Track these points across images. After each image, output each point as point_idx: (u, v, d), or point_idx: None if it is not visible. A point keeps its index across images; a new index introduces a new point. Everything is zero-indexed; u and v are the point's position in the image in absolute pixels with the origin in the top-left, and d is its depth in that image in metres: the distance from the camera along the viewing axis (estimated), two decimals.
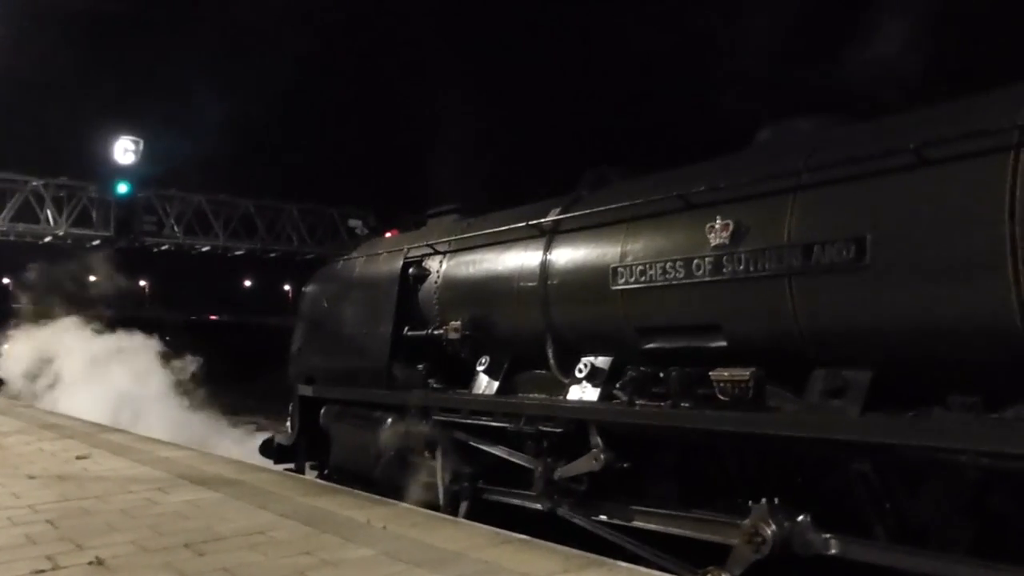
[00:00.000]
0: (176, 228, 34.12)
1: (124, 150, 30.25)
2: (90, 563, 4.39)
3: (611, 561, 4.34)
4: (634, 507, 4.99)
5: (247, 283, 55.93)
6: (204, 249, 35.82)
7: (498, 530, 5.04)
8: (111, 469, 7.76)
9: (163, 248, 35.45)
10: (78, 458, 8.43)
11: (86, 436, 10.69)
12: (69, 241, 32.59)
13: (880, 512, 3.84)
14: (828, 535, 3.90)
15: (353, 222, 35.58)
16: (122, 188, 30.39)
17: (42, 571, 4.28)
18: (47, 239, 31.94)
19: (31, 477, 7.22)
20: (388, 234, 9.60)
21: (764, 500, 4.07)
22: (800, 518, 4.00)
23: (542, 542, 4.72)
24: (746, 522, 4.10)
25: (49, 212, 31.00)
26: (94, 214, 32.06)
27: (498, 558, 4.39)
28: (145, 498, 6.23)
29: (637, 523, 4.92)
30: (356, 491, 6.49)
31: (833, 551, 3.86)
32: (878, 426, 3.74)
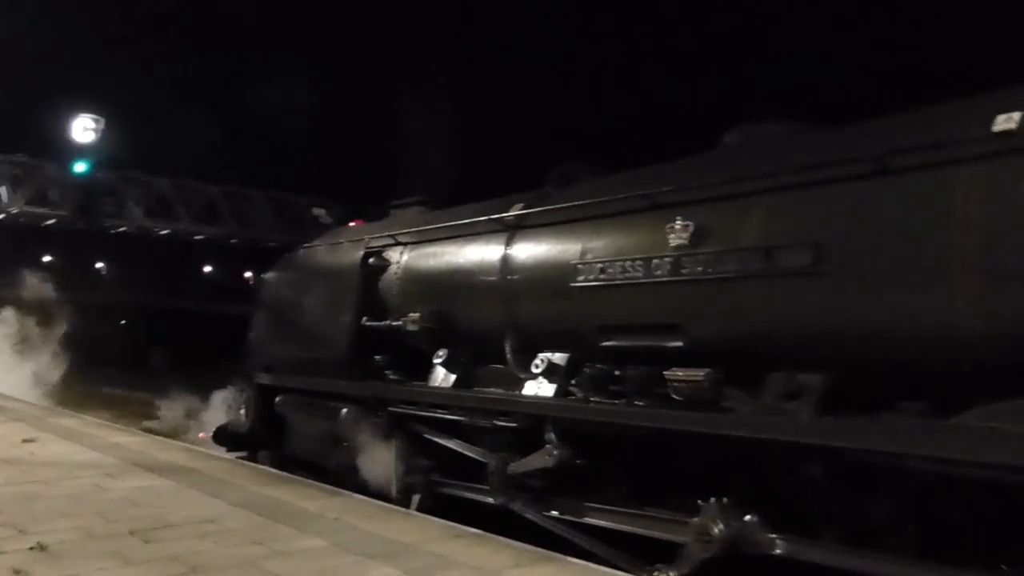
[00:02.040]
0: (137, 211, 33.58)
1: (84, 128, 29.68)
2: (32, 548, 4.33)
3: (562, 557, 4.38)
4: (586, 504, 5.02)
5: (208, 269, 55.19)
6: (163, 232, 35.31)
7: (451, 524, 5.06)
8: (59, 454, 7.70)
9: (122, 230, 34.87)
10: (25, 442, 8.35)
11: (35, 420, 10.60)
12: (22, 219, 31.95)
13: (829, 514, 3.90)
14: (775, 535, 3.96)
15: (317, 211, 35.35)
16: (80, 167, 29.84)
17: None
18: (1, 216, 31.27)
19: None
20: (352, 224, 9.57)
21: (713, 499, 4.12)
22: (748, 518, 4.05)
23: (495, 537, 4.74)
24: (695, 520, 4.15)
25: (4, 189, 30.33)
26: (52, 193, 31.40)
27: (451, 552, 4.40)
28: (93, 484, 6.14)
29: (589, 520, 4.97)
30: (310, 481, 6.50)
31: (780, 551, 3.93)
32: (829, 430, 3.80)
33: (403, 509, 5.52)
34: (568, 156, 6.69)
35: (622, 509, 4.81)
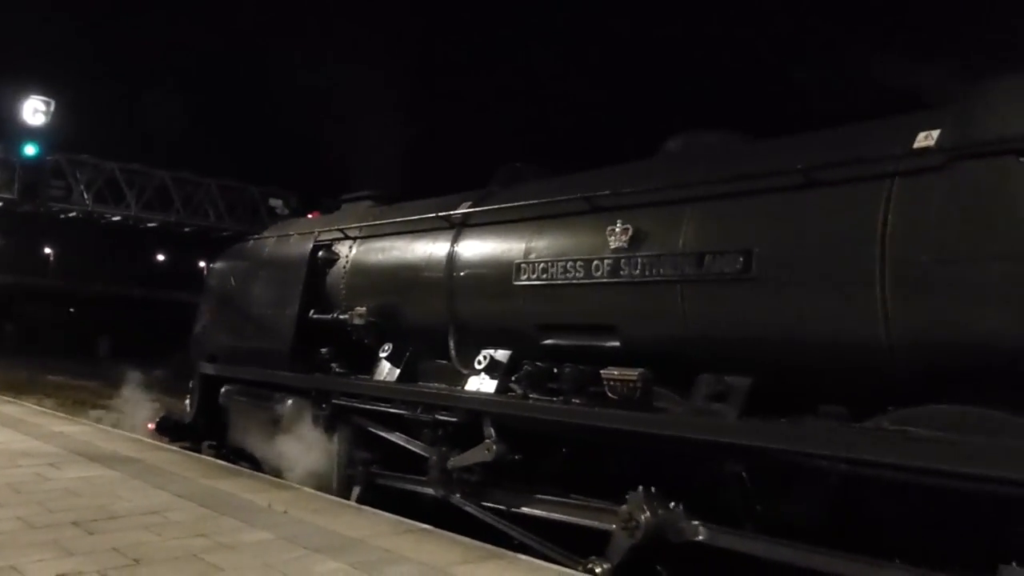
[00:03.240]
0: (86, 195, 32.81)
1: (34, 110, 28.90)
2: None
3: (511, 554, 4.42)
4: (521, 495, 5.14)
5: (160, 257, 54.20)
6: (115, 219, 34.54)
7: (400, 519, 5.05)
8: (0, 442, 7.55)
9: (70, 215, 34.04)
10: None
11: None
12: None
13: (750, 511, 4.05)
14: (698, 522, 4.11)
15: (274, 202, 34.90)
16: (30, 150, 29.05)
17: None
18: None
19: None
20: (310, 215, 9.55)
21: (640, 488, 4.27)
22: (673, 506, 4.21)
23: (444, 532, 4.75)
24: (623, 508, 4.29)
25: None
26: None
27: (399, 546, 4.41)
28: (35, 473, 6.06)
29: (524, 510, 5.08)
30: (257, 473, 6.48)
31: (702, 538, 4.07)
32: (751, 431, 3.95)
33: (352, 503, 5.55)
34: (516, 155, 6.78)
35: (554, 499, 4.93)
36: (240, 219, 34.19)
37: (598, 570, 4.38)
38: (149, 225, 35.34)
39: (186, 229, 35.69)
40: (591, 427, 4.57)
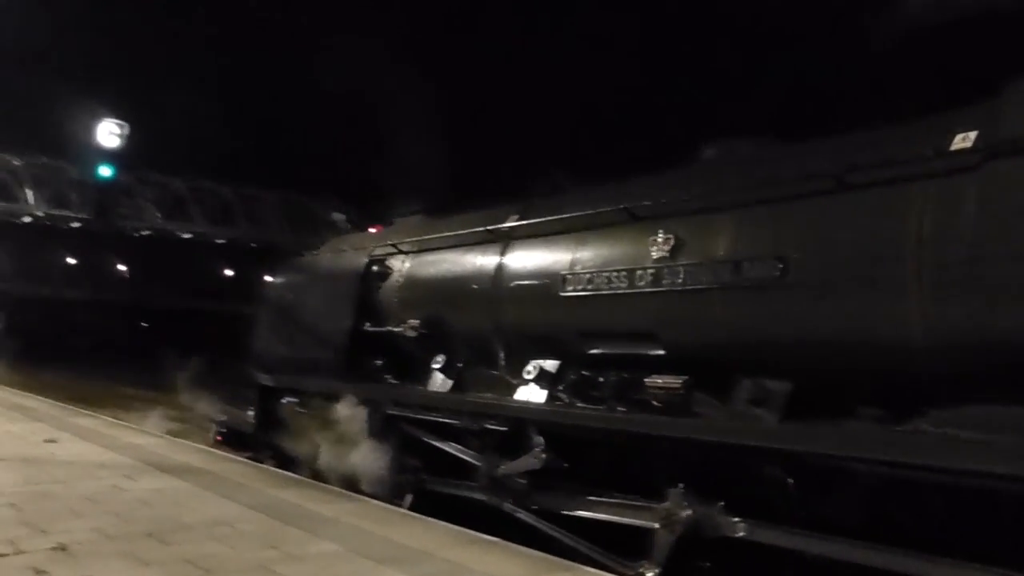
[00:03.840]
0: (156, 213, 33.85)
1: (109, 133, 29.88)
2: (53, 548, 4.38)
3: (576, 565, 4.41)
4: (566, 497, 5.22)
5: (226, 271, 55.57)
6: (185, 236, 35.58)
7: (464, 530, 5.08)
8: (78, 454, 7.71)
9: (143, 233, 35.17)
10: (46, 442, 8.38)
11: (54, 419, 10.65)
12: (48, 222, 32.28)
13: (794, 514, 4.05)
14: (736, 519, 4.15)
15: (336, 215, 35.50)
16: (105, 171, 29.96)
17: (4, 555, 4.26)
18: (25, 219, 31.63)
19: None
20: (372, 229, 9.68)
21: (680, 485, 4.34)
22: (711, 504, 4.25)
23: (509, 544, 4.76)
24: (662, 505, 4.37)
25: (28, 191, 30.67)
26: (73, 195, 31.72)
27: (464, 558, 4.41)
28: (111, 484, 6.19)
29: (570, 512, 5.16)
30: (323, 485, 6.53)
31: (740, 533, 4.12)
32: (791, 435, 4.00)
33: (417, 515, 5.58)
34: (555, 160, 6.84)
35: (598, 499, 5.00)
36: (302, 233, 34.88)
37: (649, 574, 4.42)
38: (216, 241, 36.34)
39: (251, 244, 36.60)
40: (634, 433, 4.65)
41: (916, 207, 3.68)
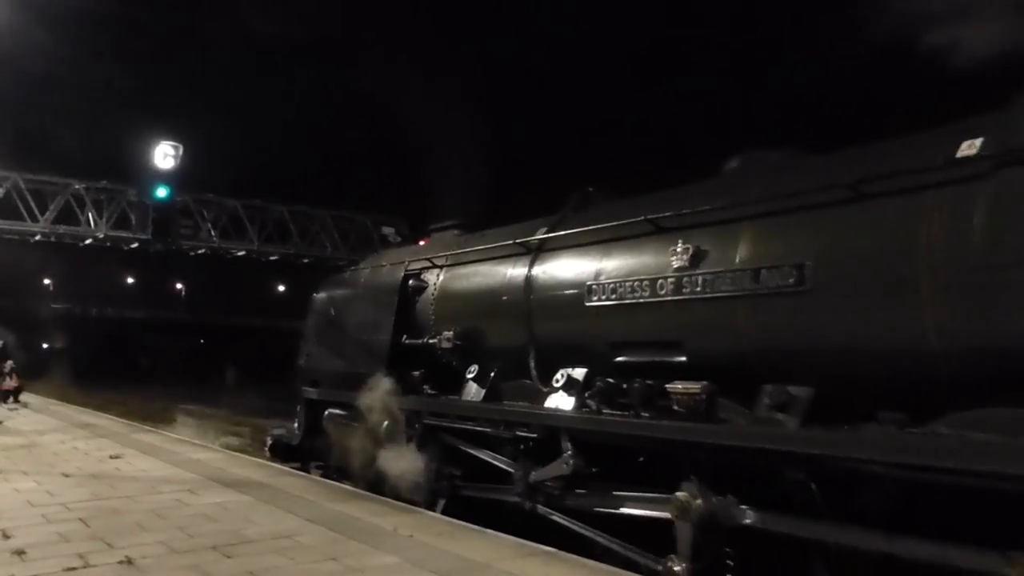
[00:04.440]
0: (212, 232, 34.56)
1: (164, 155, 30.61)
2: (120, 562, 4.49)
3: None
4: (595, 496, 5.37)
5: (280, 288, 56.45)
6: (239, 254, 36.22)
7: (523, 541, 5.09)
8: (142, 469, 7.95)
9: (199, 252, 35.90)
10: (111, 457, 8.65)
11: (119, 436, 11.04)
12: (108, 243, 33.17)
13: (816, 515, 4.11)
14: (747, 507, 4.28)
15: (386, 229, 35.79)
16: (161, 192, 30.75)
17: (73, 568, 4.37)
18: (87, 241, 32.55)
19: (65, 475, 7.44)
20: (421, 242, 9.80)
21: (693, 477, 4.47)
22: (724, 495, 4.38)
23: (567, 555, 4.76)
24: (677, 495, 4.49)
25: (90, 214, 31.59)
26: (132, 217, 32.53)
27: (523, 570, 4.42)
28: (175, 499, 6.35)
29: (599, 510, 5.28)
30: (382, 498, 6.61)
31: (749, 521, 4.25)
32: (810, 439, 4.07)
33: (475, 527, 5.62)
34: (592, 177, 6.91)
35: (622, 494, 5.13)
36: (354, 248, 35.28)
37: (677, 568, 4.49)
38: (270, 258, 36.93)
39: (304, 260, 37.12)
40: (659, 439, 4.76)
41: (927, 215, 3.77)
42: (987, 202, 3.55)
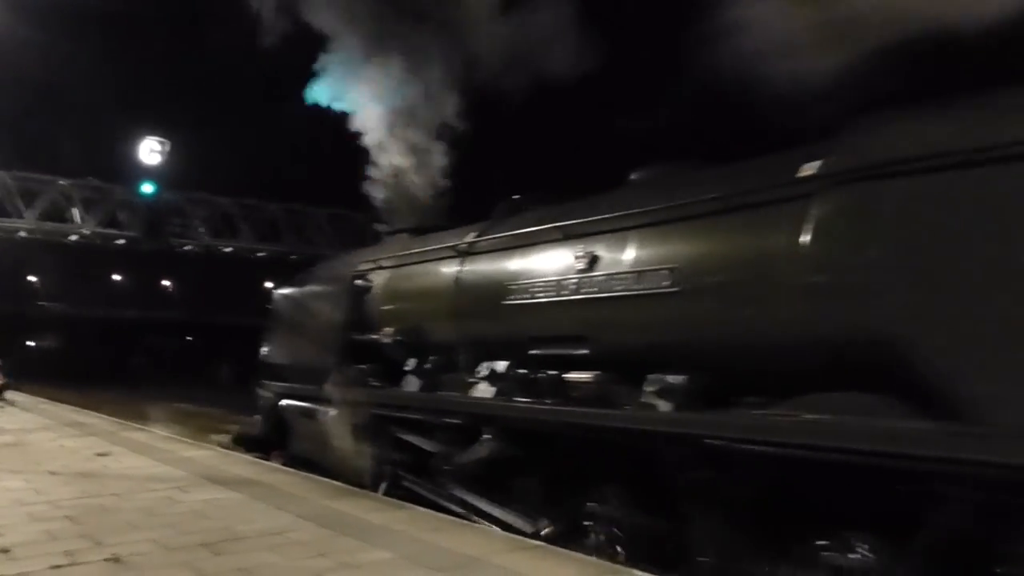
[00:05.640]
0: (203, 230, 34.44)
1: (150, 150, 30.56)
2: (107, 560, 4.46)
3: (627, 569, 4.52)
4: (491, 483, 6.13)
5: (270, 285, 56.27)
6: (229, 251, 36.11)
7: (515, 536, 5.27)
8: (132, 467, 7.91)
9: (189, 250, 35.77)
10: (99, 455, 8.62)
11: (108, 434, 10.97)
12: (97, 241, 33.02)
13: (690, 491, 4.68)
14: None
15: (379, 226, 35.73)
16: (147, 188, 30.76)
17: (60, 567, 4.34)
18: (74, 238, 32.41)
19: (53, 473, 7.38)
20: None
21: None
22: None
23: (559, 549, 4.89)
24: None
25: (77, 212, 31.43)
26: (121, 215, 32.41)
27: (516, 564, 4.47)
28: (165, 496, 6.33)
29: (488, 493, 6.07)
30: (374, 494, 6.77)
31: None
32: (674, 420, 4.71)
33: (467, 522, 5.92)
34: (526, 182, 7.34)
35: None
36: (348, 245, 35.12)
37: (544, 531, 5.37)
38: (260, 255, 36.79)
39: (294, 257, 36.97)
40: (560, 422, 5.41)
41: (774, 226, 4.40)
42: (817, 216, 4.19)
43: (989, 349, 3.40)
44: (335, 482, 7.46)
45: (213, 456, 8.92)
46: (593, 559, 4.69)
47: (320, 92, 11.54)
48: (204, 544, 4.81)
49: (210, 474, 7.40)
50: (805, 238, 4.19)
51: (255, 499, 6.22)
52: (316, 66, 11.47)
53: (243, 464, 8.34)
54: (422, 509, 6.13)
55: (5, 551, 4.61)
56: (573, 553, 4.76)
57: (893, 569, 3.71)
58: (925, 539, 3.57)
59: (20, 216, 30.14)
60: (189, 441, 10.75)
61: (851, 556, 3.87)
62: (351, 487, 7.12)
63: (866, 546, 3.82)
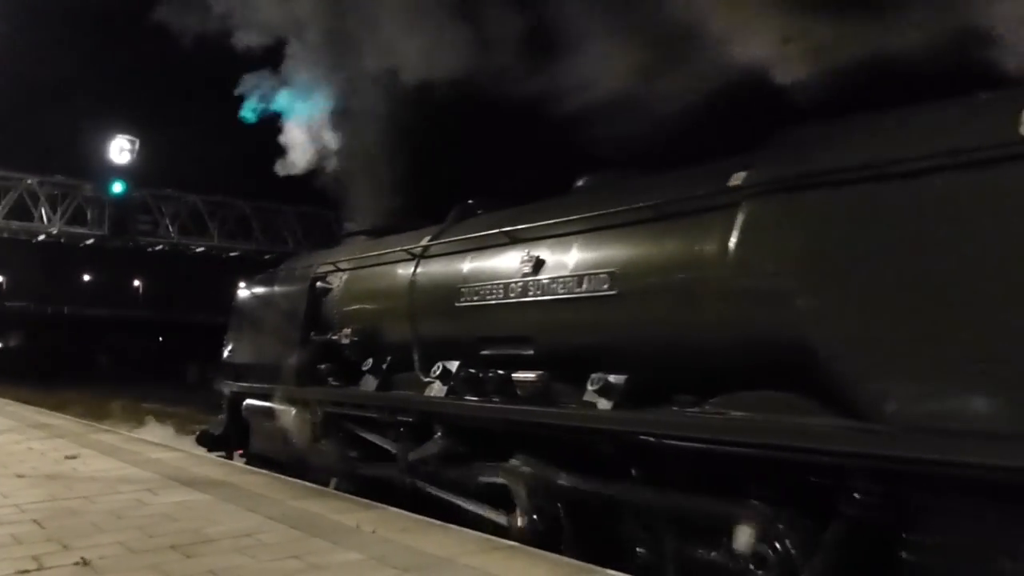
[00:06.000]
0: (171, 228, 34.28)
1: (120, 149, 30.51)
2: (76, 564, 4.45)
3: (600, 569, 4.52)
4: (456, 473, 6.37)
5: (242, 284, 55.87)
6: (199, 250, 35.91)
7: (488, 536, 5.25)
8: (100, 469, 7.89)
9: (158, 248, 35.54)
10: (67, 458, 8.59)
11: (76, 436, 10.83)
12: (63, 239, 32.72)
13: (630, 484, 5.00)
14: (564, 472, 5.30)
15: (349, 225, 35.68)
16: (117, 187, 30.65)
17: (27, 571, 4.31)
18: (41, 237, 32.14)
19: (19, 476, 7.33)
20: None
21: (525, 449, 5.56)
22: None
23: (530, 549, 4.92)
24: (508, 464, 5.67)
25: (43, 210, 31.16)
26: (89, 213, 32.14)
27: (487, 565, 4.50)
28: (134, 499, 6.34)
29: (457, 482, 6.30)
30: (344, 495, 6.82)
31: (564, 482, 5.27)
32: (610, 419, 5.00)
33: (439, 522, 6.00)
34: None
35: (475, 465, 6.18)
36: (318, 243, 35.06)
37: (519, 521, 5.54)
38: (231, 254, 36.63)
39: (266, 256, 36.86)
40: (507, 420, 5.74)
41: (703, 233, 4.71)
42: (741, 224, 4.47)
43: (883, 352, 3.70)
44: (305, 483, 7.53)
45: (182, 458, 8.90)
46: (565, 559, 4.72)
47: (282, 101, 11.73)
48: (174, 547, 4.82)
49: (179, 476, 7.42)
50: (731, 244, 4.48)
51: (224, 500, 6.25)
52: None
53: (212, 465, 8.28)
54: (392, 509, 6.18)
55: None
56: (545, 553, 4.80)
57: (812, 557, 3.95)
58: (837, 528, 3.86)
59: None
60: (157, 442, 10.71)
61: (776, 545, 4.10)
62: (321, 488, 7.18)
63: (788, 536, 4.07)
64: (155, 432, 16.06)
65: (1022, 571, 3.31)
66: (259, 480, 7.35)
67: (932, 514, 3.56)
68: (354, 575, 4.31)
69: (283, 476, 7.81)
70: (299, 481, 7.60)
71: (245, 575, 4.29)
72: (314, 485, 7.34)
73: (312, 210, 36.76)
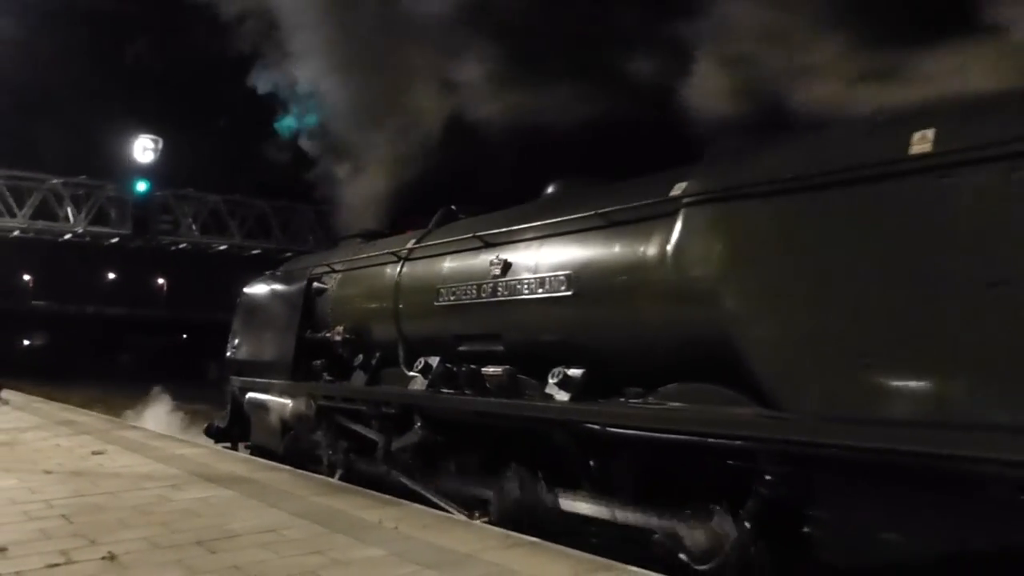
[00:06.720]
0: (193, 227, 34.89)
1: (143, 149, 30.99)
2: (103, 558, 4.57)
3: (620, 565, 4.57)
4: (439, 471, 6.99)
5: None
6: (221, 248, 36.52)
7: (509, 532, 5.36)
8: (125, 465, 8.09)
9: (180, 247, 36.20)
10: (93, 454, 8.85)
11: (101, 432, 11.21)
12: (87, 239, 33.46)
13: (585, 473, 5.54)
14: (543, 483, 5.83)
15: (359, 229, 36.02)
16: (141, 187, 31.15)
17: (56, 565, 4.45)
18: (66, 236, 32.87)
19: (47, 472, 7.54)
20: (409, 232, 10.52)
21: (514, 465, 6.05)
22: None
23: (552, 545, 5.01)
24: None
25: (68, 210, 31.90)
26: (112, 212, 32.83)
27: (509, 561, 4.58)
28: (158, 495, 6.50)
29: (441, 484, 6.90)
30: (367, 491, 6.95)
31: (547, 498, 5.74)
32: (564, 409, 5.49)
33: (461, 519, 6.13)
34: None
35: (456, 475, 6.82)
36: (336, 242, 35.38)
37: (479, 521, 5.96)
38: (252, 253, 37.26)
39: (286, 254, 37.37)
40: (472, 411, 6.29)
41: (646, 239, 5.18)
42: (680, 230, 4.95)
43: (793, 348, 4.18)
44: (328, 479, 7.71)
45: (205, 454, 9.07)
46: (587, 556, 4.77)
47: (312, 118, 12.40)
48: (198, 542, 4.91)
49: (202, 472, 7.57)
50: (670, 250, 4.97)
51: (248, 496, 6.38)
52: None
53: (235, 461, 8.57)
54: (415, 505, 6.35)
55: (2, 550, 4.71)
56: (567, 549, 4.88)
57: (734, 533, 4.47)
58: (752, 506, 4.38)
59: (11, 215, 30.62)
60: (181, 439, 10.97)
61: (709, 524, 4.61)
62: (343, 484, 7.38)
63: (718, 516, 4.57)
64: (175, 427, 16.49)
65: (909, 544, 3.78)
66: (282, 476, 7.51)
67: (832, 493, 4.05)
68: (376, 571, 4.38)
69: (306, 472, 8.02)
70: (321, 477, 7.82)
71: (269, 570, 4.37)
72: (336, 481, 7.65)
73: (331, 209, 37.09)
